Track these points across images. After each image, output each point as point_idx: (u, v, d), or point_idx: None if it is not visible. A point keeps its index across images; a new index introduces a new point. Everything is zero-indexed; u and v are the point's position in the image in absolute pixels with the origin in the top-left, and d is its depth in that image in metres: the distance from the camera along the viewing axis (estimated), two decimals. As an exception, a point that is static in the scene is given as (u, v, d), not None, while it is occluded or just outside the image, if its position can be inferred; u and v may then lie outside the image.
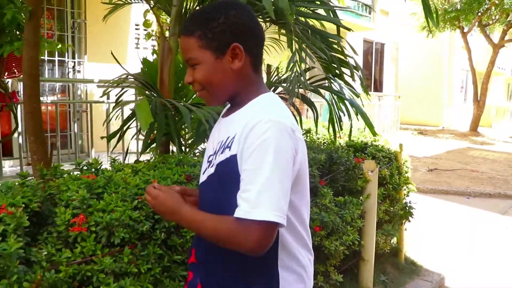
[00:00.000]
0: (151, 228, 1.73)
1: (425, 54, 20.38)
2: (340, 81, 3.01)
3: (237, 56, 1.17)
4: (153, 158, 2.58)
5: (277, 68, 4.07)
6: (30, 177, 1.92)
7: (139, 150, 4.64)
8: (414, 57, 20.51)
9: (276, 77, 3.48)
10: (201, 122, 2.21)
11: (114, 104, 3.00)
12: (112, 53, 3.22)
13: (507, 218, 6.12)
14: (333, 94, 3.08)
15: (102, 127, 5.13)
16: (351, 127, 3.16)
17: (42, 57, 5.86)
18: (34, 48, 3.10)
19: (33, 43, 3.08)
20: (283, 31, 3.71)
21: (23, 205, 1.55)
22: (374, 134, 3.32)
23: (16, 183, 1.78)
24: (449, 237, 5.15)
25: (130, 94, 3.97)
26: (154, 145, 2.88)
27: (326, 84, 3.15)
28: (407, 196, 4.10)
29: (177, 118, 2.60)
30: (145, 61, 3.33)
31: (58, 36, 6.44)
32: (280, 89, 3.30)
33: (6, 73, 4.35)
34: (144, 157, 2.96)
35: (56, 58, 6.43)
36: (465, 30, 17.80)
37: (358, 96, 3.08)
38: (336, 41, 2.77)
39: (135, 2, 3.58)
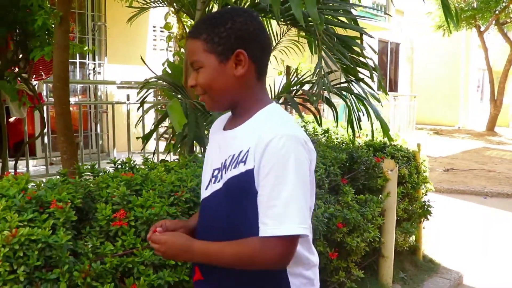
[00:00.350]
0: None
1: (440, 53, 20.18)
2: (361, 84, 3.09)
3: (241, 62, 1.17)
4: (177, 158, 2.67)
5: (296, 69, 4.14)
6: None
7: (159, 150, 4.77)
8: (430, 56, 20.34)
9: (296, 78, 3.56)
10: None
11: (136, 105, 3.10)
12: (141, 58, 3.34)
13: (525, 218, 6.11)
14: (352, 96, 3.16)
15: (123, 128, 5.27)
16: (372, 127, 3.24)
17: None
18: (64, 51, 3.22)
19: (63, 47, 3.21)
20: (302, 33, 3.80)
21: (69, 201, 1.66)
22: (390, 139, 3.38)
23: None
24: (466, 236, 5.17)
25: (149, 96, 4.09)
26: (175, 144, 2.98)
27: (346, 86, 3.24)
28: (425, 195, 4.15)
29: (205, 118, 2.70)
30: (169, 64, 3.44)
31: (79, 39, 6.58)
32: (300, 91, 3.39)
33: (34, 76, 4.50)
34: (162, 157, 3.05)
35: (78, 60, 6.58)
36: (482, 28, 17.62)
37: (379, 101, 3.15)
38: (360, 48, 2.85)
39: (160, 6, 3.68)
